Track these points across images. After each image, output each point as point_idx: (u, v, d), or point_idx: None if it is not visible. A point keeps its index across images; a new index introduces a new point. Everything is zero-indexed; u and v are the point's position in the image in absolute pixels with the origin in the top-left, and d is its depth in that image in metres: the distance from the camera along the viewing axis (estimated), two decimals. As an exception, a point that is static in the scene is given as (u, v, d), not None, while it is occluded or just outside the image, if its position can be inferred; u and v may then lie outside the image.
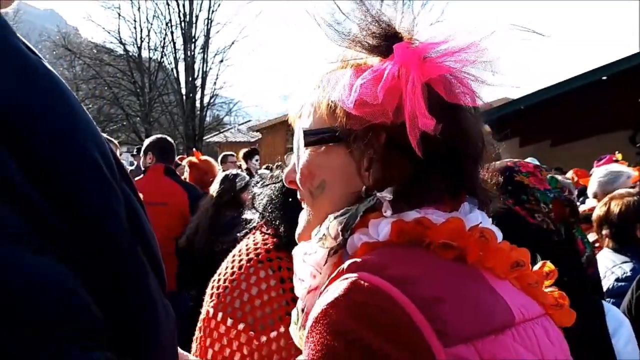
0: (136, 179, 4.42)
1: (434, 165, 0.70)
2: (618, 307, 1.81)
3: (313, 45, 0.78)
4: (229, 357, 1.11)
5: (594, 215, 2.72)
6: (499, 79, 0.72)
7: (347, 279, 0.62)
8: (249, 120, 26.45)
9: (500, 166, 1.57)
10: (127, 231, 0.64)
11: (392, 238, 0.68)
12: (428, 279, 0.62)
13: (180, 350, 0.98)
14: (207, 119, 26.12)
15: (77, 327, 0.54)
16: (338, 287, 0.61)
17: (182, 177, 4.66)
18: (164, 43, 24.85)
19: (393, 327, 0.57)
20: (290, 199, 1.16)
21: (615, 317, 1.45)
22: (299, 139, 0.78)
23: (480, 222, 0.71)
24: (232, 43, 25.08)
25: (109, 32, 24.72)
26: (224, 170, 4.38)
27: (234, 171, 3.66)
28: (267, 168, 5.02)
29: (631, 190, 2.87)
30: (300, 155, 0.79)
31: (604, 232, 2.61)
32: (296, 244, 0.83)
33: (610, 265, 2.50)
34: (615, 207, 2.57)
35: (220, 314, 1.16)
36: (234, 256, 1.25)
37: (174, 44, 24.79)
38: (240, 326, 1.13)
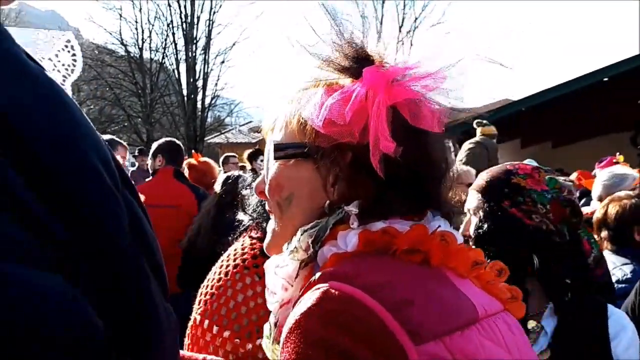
0: (145, 180, 4.43)
1: (396, 187, 0.73)
2: (618, 308, 1.81)
3: (290, 63, 0.81)
4: None
5: (594, 218, 2.73)
6: (463, 106, 0.76)
7: (318, 289, 0.64)
8: (251, 122, 26.40)
9: (499, 169, 1.59)
10: (127, 233, 0.65)
11: (360, 248, 0.71)
12: (396, 283, 0.65)
13: (181, 352, 0.98)
14: (209, 120, 26.11)
15: (78, 342, 0.53)
16: (310, 298, 0.64)
17: (183, 178, 4.68)
18: (166, 44, 24.88)
19: (367, 331, 0.59)
20: None
21: (619, 321, 1.45)
22: (269, 151, 0.81)
23: (440, 227, 0.75)
24: (234, 44, 25.14)
25: (110, 33, 24.75)
26: (225, 172, 4.39)
27: (236, 172, 3.67)
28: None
29: (630, 192, 2.87)
30: (270, 167, 0.82)
31: (603, 234, 2.62)
32: None
33: (611, 267, 2.50)
34: (613, 210, 2.57)
35: (206, 322, 1.16)
36: (222, 262, 1.25)
37: (176, 45, 24.81)
38: (226, 333, 1.13)
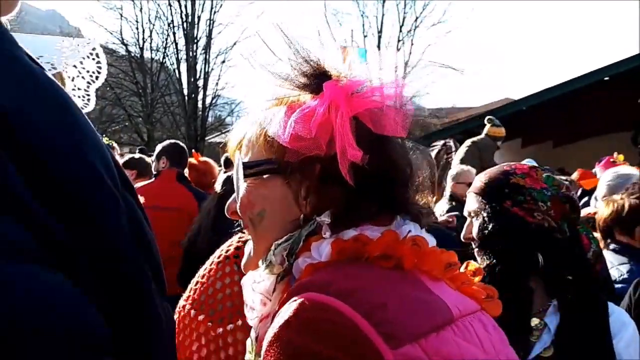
0: (147, 182, 4.43)
1: (365, 192, 0.75)
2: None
3: (251, 83, 0.83)
4: (188, 346, 1.17)
5: (597, 217, 2.72)
6: (421, 111, 0.80)
7: (295, 300, 0.66)
8: (251, 121, 26.30)
9: (496, 170, 1.59)
10: (127, 234, 0.66)
11: (334, 257, 0.73)
12: (370, 289, 0.67)
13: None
14: (209, 119, 26.06)
15: (79, 339, 0.54)
16: (288, 309, 0.65)
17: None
18: (166, 44, 24.83)
19: (343, 337, 0.61)
20: None
21: (620, 319, 1.46)
22: (237, 170, 0.83)
23: (410, 231, 0.77)
24: (234, 44, 25.07)
25: (111, 33, 24.71)
26: (226, 172, 4.39)
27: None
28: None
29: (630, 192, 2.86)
30: (239, 186, 0.83)
31: (602, 233, 2.62)
32: None
33: (609, 267, 2.50)
34: (612, 209, 2.57)
35: (187, 306, 1.23)
36: (212, 256, 1.31)
37: (176, 44, 24.78)
38: (200, 317, 1.19)
